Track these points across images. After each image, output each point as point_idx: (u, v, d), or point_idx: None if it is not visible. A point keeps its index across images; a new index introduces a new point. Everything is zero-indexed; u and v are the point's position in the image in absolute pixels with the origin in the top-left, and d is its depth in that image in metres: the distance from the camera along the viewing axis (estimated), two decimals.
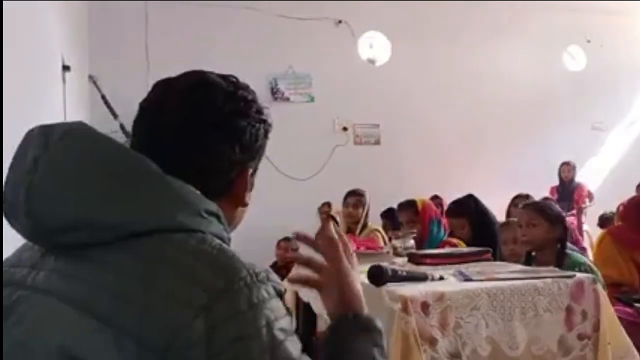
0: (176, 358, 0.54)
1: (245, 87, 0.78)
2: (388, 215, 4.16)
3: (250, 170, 0.76)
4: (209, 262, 0.59)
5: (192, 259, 0.59)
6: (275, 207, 4.82)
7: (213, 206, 0.67)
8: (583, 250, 3.93)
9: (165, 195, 0.63)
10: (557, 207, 2.34)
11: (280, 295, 0.62)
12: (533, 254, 2.24)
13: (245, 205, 0.78)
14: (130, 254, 0.59)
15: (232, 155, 0.72)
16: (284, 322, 0.59)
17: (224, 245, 0.64)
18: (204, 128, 0.71)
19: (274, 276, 0.62)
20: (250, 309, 0.57)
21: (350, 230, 3.28)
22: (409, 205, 2.86)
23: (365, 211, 3.39)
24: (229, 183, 0.74)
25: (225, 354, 0.54)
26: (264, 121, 0.78)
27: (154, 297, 0.56)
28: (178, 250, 0.60)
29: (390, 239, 2.39)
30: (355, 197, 3.47)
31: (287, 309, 0.63)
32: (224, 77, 0.78)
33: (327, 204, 4.40)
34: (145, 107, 0.74)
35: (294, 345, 0.59)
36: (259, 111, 0.77)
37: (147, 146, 0.69)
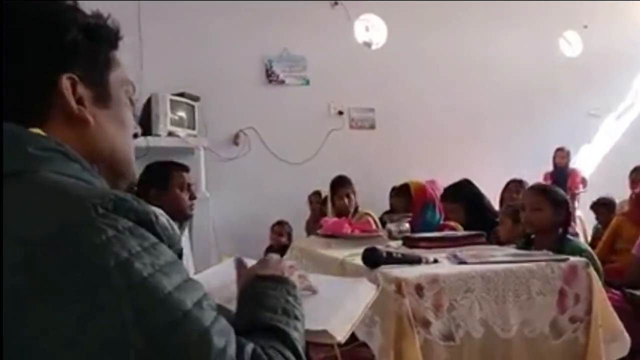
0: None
1: None
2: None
3: (74, 76, 0.61)
4: (27, 212, 0.49)
5: (4, 213, 0.49)
6: (269, 190, 4.82)
7: (48, 141, 0.57)
8: (575, 235, 3.95)
9: None
10: (562, 192, 2.33)
11: (147, 222, 0.52)
12: (532, 236, 2.24)
13: (82, 120, 0.62)
14: None
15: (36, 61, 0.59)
16: (151, 256, 0.49)
17: (63, 181, 0.53)
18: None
19: (131, 202, 0.52)
20: (90, 253, 0.47)
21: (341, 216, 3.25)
22: (402, 190, 2.82)
23: (355, 198, 3.36)
24: (43, 100, 0.60)
25: (65, 307, 0.45)
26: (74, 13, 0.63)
27: None
28: None
29: (384, 223, 2.39)
30: (345, 189, 3.40)
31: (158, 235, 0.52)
32: None
33: (317, 193, 4.36)
34: None
35: (169, 278, 0.50)
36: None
37: None
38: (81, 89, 0.62)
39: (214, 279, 0.89)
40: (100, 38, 0.66)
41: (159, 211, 1.94)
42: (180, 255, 0.57)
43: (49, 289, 0.46)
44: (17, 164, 0.53)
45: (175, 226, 1.95)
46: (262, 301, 0.66)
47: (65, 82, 0.60)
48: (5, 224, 0.48)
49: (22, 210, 0.49)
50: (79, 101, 0.62)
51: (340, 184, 3.48)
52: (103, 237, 0.47)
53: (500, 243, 2.37)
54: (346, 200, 3.34)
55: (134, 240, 0.49)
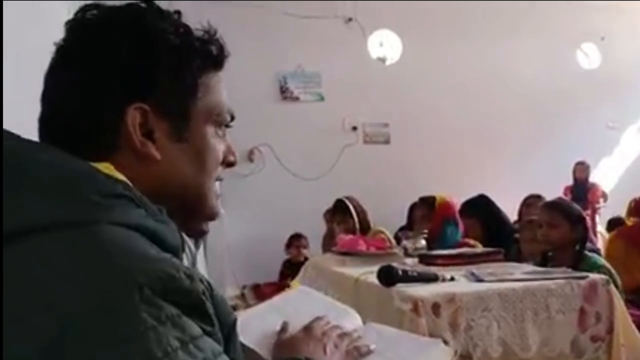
0: None
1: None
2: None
3: (145, 107, 0.56)
4: (70, 278, 0.43)
5: (46, 273, 0.43)
6: (284, 207, 4.83)
7: (115, 186, 0.51)
8: (596, 251, 3.87)
9: (28, 185, 0.48)
10: (578, 207, 2.30)
11: (196, 305, 0.46)
12: (550, 254, 2.21)
13: (146, 155, 0.56)
14: None
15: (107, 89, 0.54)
16: (189, 355, 0.43)
17: (119, 244, 0.47)
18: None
19: (181, 281, 0.46)
20: (123, 344, 0.41)
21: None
22: (427, 201, 2.79)
23: (357, 216, 3.22)
24: (112, 131, 0.55)
25: None
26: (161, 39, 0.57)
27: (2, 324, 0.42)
28: (29, 263, 0.44)
29: (399, 240, 2.37)
30: (339, 214, 3.27)
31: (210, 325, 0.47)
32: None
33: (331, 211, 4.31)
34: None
35: None
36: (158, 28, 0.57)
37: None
38: (153, 121, 0.56)
39: (273, 316, 0.86)
40: (192, 61, 0.58)
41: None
42: (234, 324, 0.53)
43: None
44: (75, 214, 0.48)
45: (192, 244, 1.96)
46: None
47: (133, 114, 0.55)
48: (42, 286, 0.43)
49: (63, 276, 0.44)
50: (149, 134, 0.56)
51: (335, 212, 3.35)
52: (141, 328, 0.42)
53: (521, 258, 2.34)
54: (340, 227, 3.22)
55: (174, 333, 0.43)
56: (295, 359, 0.71)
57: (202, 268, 3.40)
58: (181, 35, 0.58)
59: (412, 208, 4.04)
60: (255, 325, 0.85)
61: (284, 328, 0.81)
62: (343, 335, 0.79)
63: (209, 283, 0.49)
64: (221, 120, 0.63)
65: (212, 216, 0.65)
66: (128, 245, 0.48)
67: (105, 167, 0.53)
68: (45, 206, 0.47)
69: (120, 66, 0.55)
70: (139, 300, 0.43)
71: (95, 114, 0.55)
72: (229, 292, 3.84)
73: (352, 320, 0.90)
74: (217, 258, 3.96)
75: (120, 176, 0.53)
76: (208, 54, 0.60)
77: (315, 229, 4.44)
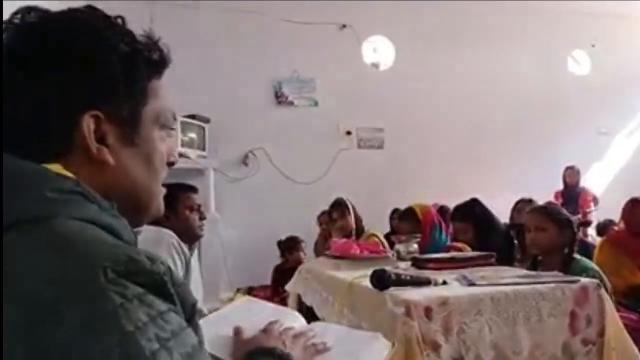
0: None
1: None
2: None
3: (99, 114, 0.57)
4: (37, 269, 0.45)
5: (14, 267, 0.45)
6: (279, 211, 4.83)
7: (66, 183, 0.53)
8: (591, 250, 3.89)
9: None
10: (566, 212, 2.32)
11: (159, 284, 0.48)
12: (540, 258, 2.23)
13: (101, 161, 0.57)
14: None
15: (58, 96, 0.55)
16: (158, 328, 0.45)
17: (77, 233, 0.49)
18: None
19: (143, 263, 0.48)
20: (96, 322, 0.43)
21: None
22: (409, 214, 2.80)
23: (353, 217, 3.27)
24: (64, 137, 0.56)
25: None
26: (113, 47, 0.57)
27: None
28: None
29: (393, 244, 2.38)
30: (339, 210, 3.32)
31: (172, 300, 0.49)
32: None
33: (327, 213, 4.33)
34: None
35: (171, 356, 0.46)
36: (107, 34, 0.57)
37: None
38: (106, 127, 0.58)
39: (224, 325, 0.89)
40: (141, 68, 0.60)
41: (169, 233, 1.93)
42: (194, 306, 0.54)
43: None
44: (33, 210, 0.50)
45: (186, 249, 1.96)
46: None
47: (88, 121, 0.56)
48: (9, 280, 0.45)
49: (29, 266, 0.46)
50: (102, 140, 0.57)
51: (333, 209, 3.39)
52: (110, 306, 0.44)
53: (519, 260, 2.34)
54: (342, 222, 3.23)
55: (142, 310, 0.45)
56: (259, 349, 0.78)
57: (196, 272, 3.39)
58: (129, 43, 0.59)
59: (393, 214, 4.07)
60: (207, 332, 0.91)
61: (239, 331, 0.87)
62: (298, 335, 0.88)
63: (169, 267, 0.51)
64: (168, 124, 0.65)
65: (158, 215, 0.68)
66: (89, 235, 0.50)
67: (54, 167, 0.55)
68: (7, 205, 0.49)
69: (74, 76, 0.56)
70: (105, 282, 0.45)
71: (48, 120, 0.56)
72: (223, 295, 3.84)
73: (297, 322, 0.98)
74: (212, 261, 3.97)
75: (69, 175, 0.55)
76: (153, 61, 0.61)
77: (309, 233, 4.45)
